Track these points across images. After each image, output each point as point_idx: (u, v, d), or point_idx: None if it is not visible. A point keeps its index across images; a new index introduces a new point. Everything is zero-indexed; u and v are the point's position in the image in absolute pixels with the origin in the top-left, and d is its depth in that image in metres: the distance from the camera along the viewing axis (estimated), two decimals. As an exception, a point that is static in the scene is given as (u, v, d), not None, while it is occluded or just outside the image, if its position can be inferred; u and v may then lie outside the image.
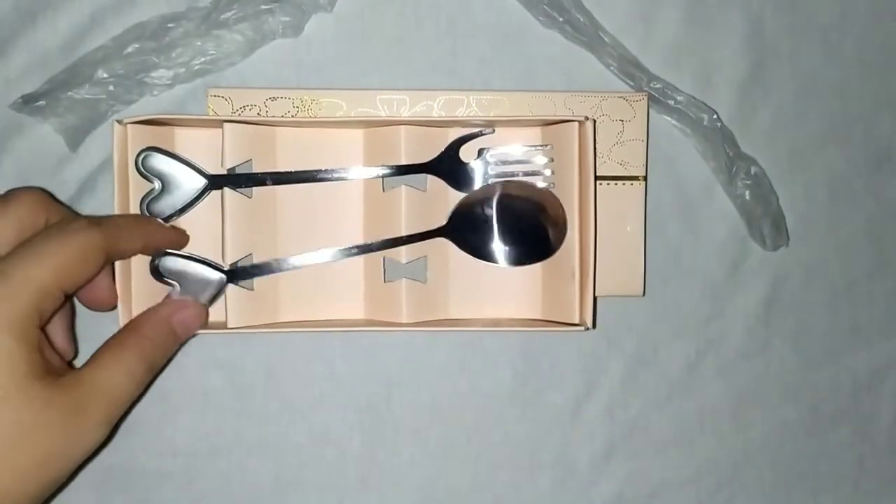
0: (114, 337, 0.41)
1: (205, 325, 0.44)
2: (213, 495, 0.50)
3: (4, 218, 0.39)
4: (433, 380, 0.51)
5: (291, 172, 0.46)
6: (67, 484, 0.47)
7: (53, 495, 0.39)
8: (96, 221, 0.40)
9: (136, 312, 0.43)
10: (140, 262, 0.44)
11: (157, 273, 0.44)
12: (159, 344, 0.42)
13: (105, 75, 0.46)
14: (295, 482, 0.51)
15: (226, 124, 0.45)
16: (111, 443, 0.49)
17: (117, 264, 0.43)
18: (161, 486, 0.50)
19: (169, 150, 0.45)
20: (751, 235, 0.52)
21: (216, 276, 0.45)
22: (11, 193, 0.40)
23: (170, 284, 0.44)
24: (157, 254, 0.44)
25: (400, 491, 0.51)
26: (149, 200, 0.44)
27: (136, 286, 0.44)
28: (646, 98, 0.49)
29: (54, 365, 0.39)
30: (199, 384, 0.50)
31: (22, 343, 0.35)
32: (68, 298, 0.40)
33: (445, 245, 0.47)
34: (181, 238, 0.46)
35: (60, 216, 0.41)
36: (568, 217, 0.46)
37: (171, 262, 0.44)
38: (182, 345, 0.44)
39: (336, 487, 0.51)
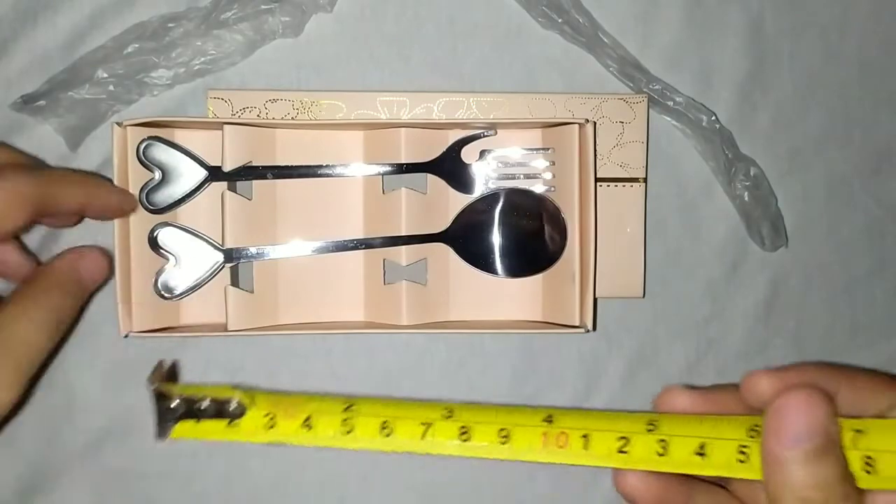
0: (18, 290, 0.39)
1: (109, 271, 0.43)
2: (213, 495, 0.50)
3: None
4: (433, 380, 0.51)
5: (292, 167, 0.46)
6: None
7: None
8: (31, 170, 0.38)
9: (134, 282, 0.44)
10: (139, 234, 0.44)
11: (155, 244, 0.45)
12: (69, 294, 0.40)
13: (105, 75, 0.46)
14: (295, 482, 0.51)
15: (226, 126, 0.45)
16: (111, 443, 0.49)
17: (116, 232, 0.43)
18: (161, 486, 0.50)
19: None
20: (750, 236, 0.52)
21: (214, 253, 0.45)
22: None
23: (166, 257, 0.45)
24: (157, 224, 0.45)
25: (400, 491, 0.51)
26: (148, 190, 0.45)
27: (134, 257, 0.44)
28: (645, 100, 0.49)
29: None
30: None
31: None
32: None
33: (445, 247, 0.47)
34: (128, 201, 0.43)
35: None
36: (568, 220, 0.46)
37: (170, 234, 0.45)
38: (91, 294, 0.42)
39: (336, 487, 0.51)
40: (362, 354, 0.51)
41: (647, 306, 0.51)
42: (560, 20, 0.49)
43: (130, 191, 0.44)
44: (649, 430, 0.33)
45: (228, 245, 0.45)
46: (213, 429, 0.34)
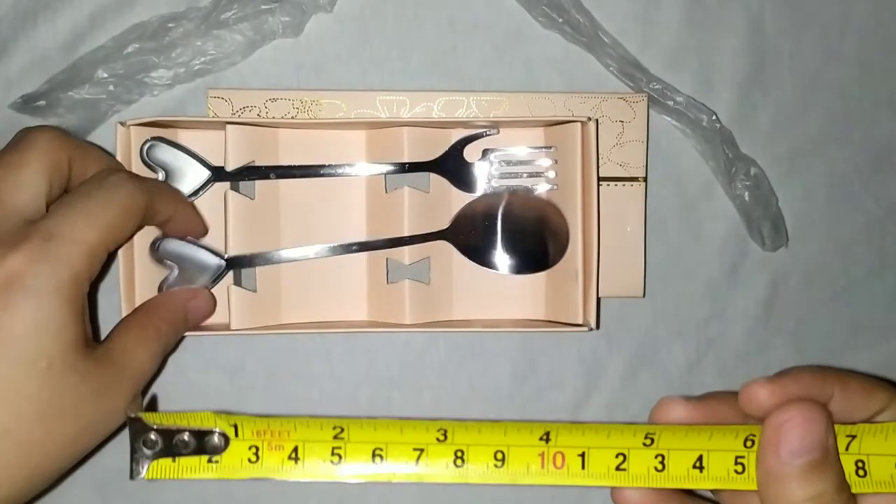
0: (133, 317, 0.41)
1: (212, 314, 0.45)
2: (213, 495, 0.50)
3: (28, 167, 0.36)
4: (433, 379, 0.51)
5: (295, 167, 0.47)
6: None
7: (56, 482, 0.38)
8: (135, 177, 0.39)
9: (138, 291, 0.44)
10: (143, 245, 0.44)
11: (157, 254, 0.44)
12: (174, 328, 0.42)
13: (105, 75, 0.46)
14: (295, 482, 0.51)
15: (228, 126, 0.45)
16: (111, 443, 0.49)
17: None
18: (161, 486, 0.50)
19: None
20: (750, 236, 0.52)
21: (215, 260, 0.45)
22: (25, 138, 0.37)
23: (168, 267, 0.45)
24: (158, 236, 0.44)
25: (400, 491, 0.51)
26: None
27: (138, 260, 0.44)
28: (645, 99, 0.49)
29: (89, 335, 0.37)
30: (199, 384, 0.50)
31: (70, 309, 0.34)
32: (110, 261, 0.39)
33: (448, 246, 0.47)
34: (202, 227, 0.45)
35: (81, 152, 0.39)
36: (571, 218, 0.46)
37: (172, 245, 0.44)
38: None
39: (336, 487, 0.51)
40: (362, 354, 0.51)
41: (647, 306, 0.51)
42: (560, 20, 0.49)
43: None
44: (647, 445, 0.32)
45: (231, 244, 0.45)
46: (192, 466, 0.33)
